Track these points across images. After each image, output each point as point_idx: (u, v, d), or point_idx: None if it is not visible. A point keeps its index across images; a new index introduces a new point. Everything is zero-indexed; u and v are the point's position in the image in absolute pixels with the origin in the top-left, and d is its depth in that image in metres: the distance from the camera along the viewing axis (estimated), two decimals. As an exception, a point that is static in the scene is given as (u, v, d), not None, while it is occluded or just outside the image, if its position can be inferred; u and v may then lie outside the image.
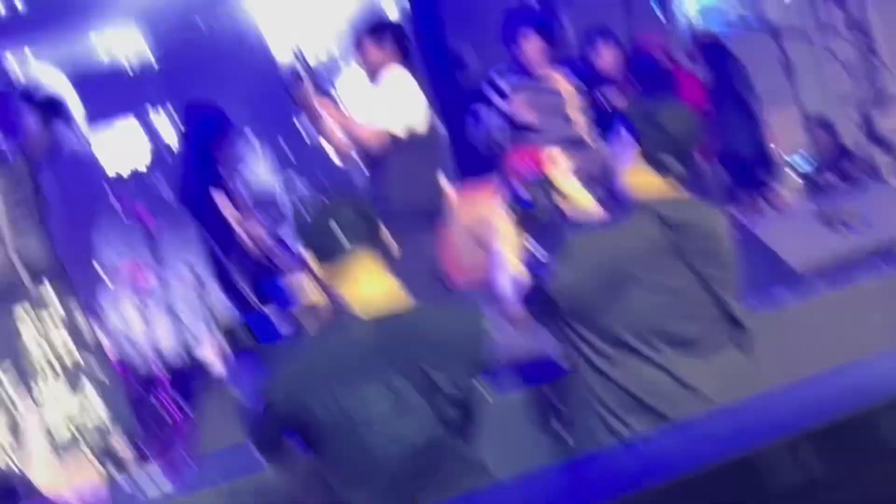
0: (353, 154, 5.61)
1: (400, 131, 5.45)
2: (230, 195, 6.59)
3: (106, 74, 8.70)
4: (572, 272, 3.18)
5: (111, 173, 8.55)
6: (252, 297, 6.17)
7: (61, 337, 5.28)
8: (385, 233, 3.07)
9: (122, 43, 8.80)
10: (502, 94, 6.19)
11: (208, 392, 5.17)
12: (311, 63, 5.66)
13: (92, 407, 5.34)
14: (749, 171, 7.75)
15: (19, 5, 7.82)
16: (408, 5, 8.47)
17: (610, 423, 3.19)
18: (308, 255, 3.06)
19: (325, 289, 3.07)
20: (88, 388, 5.35)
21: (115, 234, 6.44)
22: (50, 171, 5.10)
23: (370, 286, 3.00)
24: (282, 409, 2.93)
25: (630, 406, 3.16)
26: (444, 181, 5.79)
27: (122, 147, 8.70)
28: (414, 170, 5.50)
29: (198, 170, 6.60)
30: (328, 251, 3.00)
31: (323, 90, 5.69)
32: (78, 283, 5.10)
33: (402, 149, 5.45)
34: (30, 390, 5.25)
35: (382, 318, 2.95)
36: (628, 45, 7.36)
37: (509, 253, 3.43)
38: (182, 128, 7.26)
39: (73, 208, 7.01)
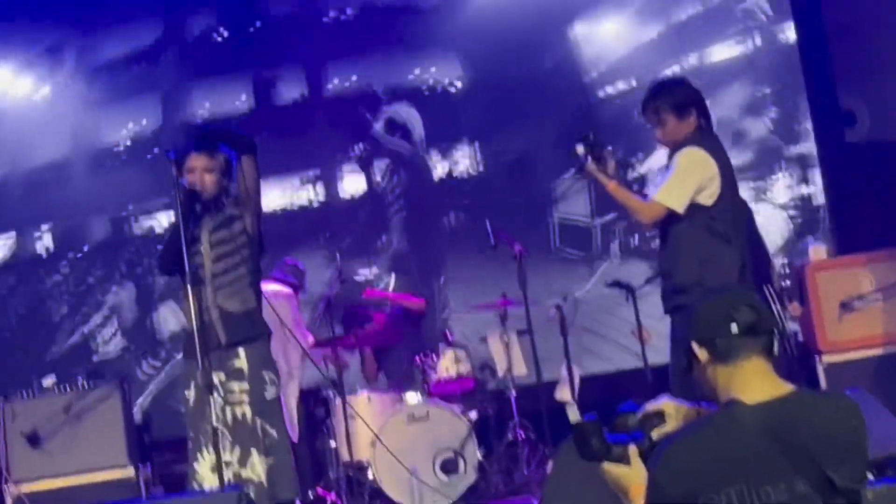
0: None
1: None
2: None
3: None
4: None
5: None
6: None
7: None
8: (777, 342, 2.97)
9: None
10: None
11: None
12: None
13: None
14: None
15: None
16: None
17: None
18: (700, 351, 2.98)
19: (715, 389, 2.99)
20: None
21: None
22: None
23: (762, 389, 2.91)
24: (676, 494, 2.81)
25: None
26: None
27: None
28: None
29: None
30: (723, 355, 2.93)
31: None
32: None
33: None
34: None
35: (768, 402, 2.86)
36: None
37: None
38: None
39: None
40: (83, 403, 7.47)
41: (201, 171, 5.81)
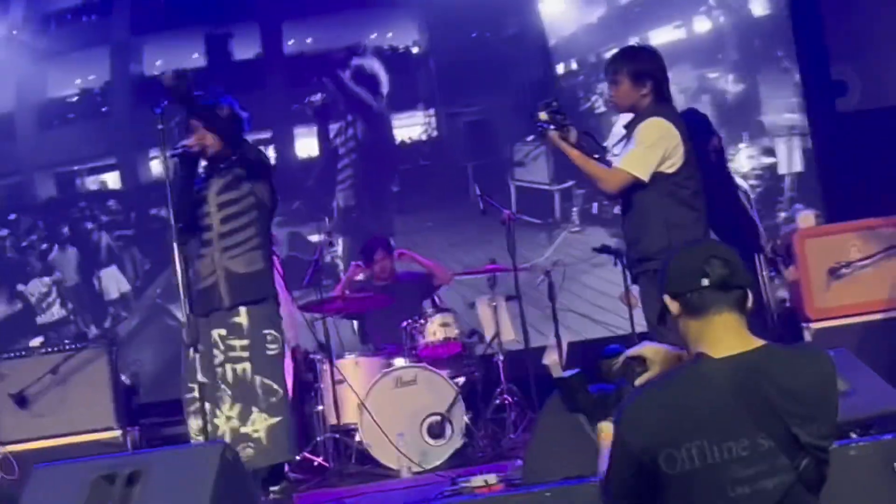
0: None
1: None
2: None
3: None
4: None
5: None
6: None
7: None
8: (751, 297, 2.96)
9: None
10: None
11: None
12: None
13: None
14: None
15: None
16: None
17: None
18: (671, 304, 2.97)
19: (687, 342, 2.99)
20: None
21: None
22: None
23: (730, 344, 2.90)
24: (636, 448, 2.81)
25: None
26: None
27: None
28: None
29: None
30: (695, 308, 2.93)
31: None
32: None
33: None
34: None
35: (735, 356, 2.86)
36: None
37: None
38: None
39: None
40: (70, 364, 7.46)
41: (203, 129, 5.76)
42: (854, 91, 9.69)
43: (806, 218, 7.81)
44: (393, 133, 10.56)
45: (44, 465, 4.93)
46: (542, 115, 5.51)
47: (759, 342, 2.92)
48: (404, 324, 8.19)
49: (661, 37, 10.29)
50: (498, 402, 8.08)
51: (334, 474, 7.35)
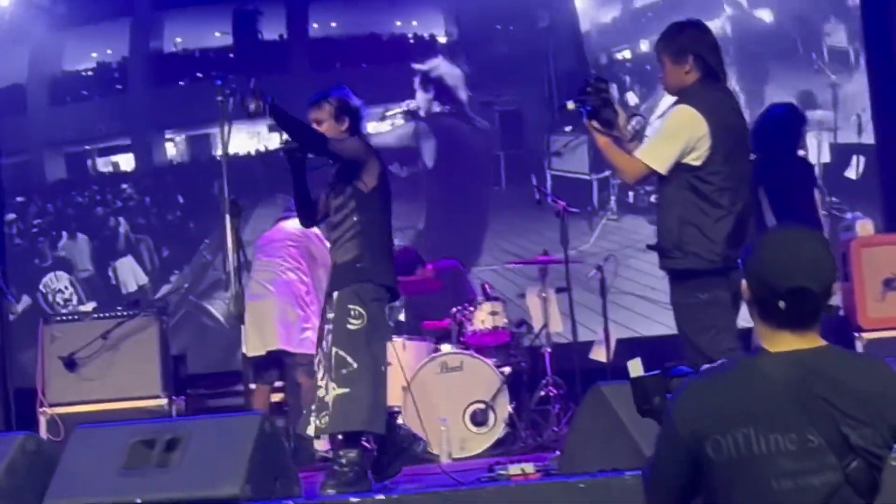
0: None
1: None
2: None
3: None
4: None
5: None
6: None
7: None
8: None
9: None
10: None
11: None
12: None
13: None
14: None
15: None
16: None
17: None
18: (746, 290, 2.88)
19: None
20: None
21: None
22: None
23: (792, 342, 2.85)
24: (685, 434, 2.79)
25: None
26: None
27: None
28: None
29: None
30: (763, 315, 2.86)
31: None
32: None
33: None
34: None
35: (794, 352, 2.82)
36: None
37: None
38: None
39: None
40: (121, 331, 7.54)
41: (313, 123, 5.93)
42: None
43: (865, 226, 7.72)
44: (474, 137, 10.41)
45: (85, 426, 4.99)
46: (570, 106, 5.35)
47: (822, 342, 2.86)
48: (453, 310, 8.19)
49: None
50: (542, 393, 8.06)
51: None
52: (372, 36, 10.32)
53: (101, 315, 7.71)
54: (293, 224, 7.31)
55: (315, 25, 10.36)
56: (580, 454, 5.06)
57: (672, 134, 5.13)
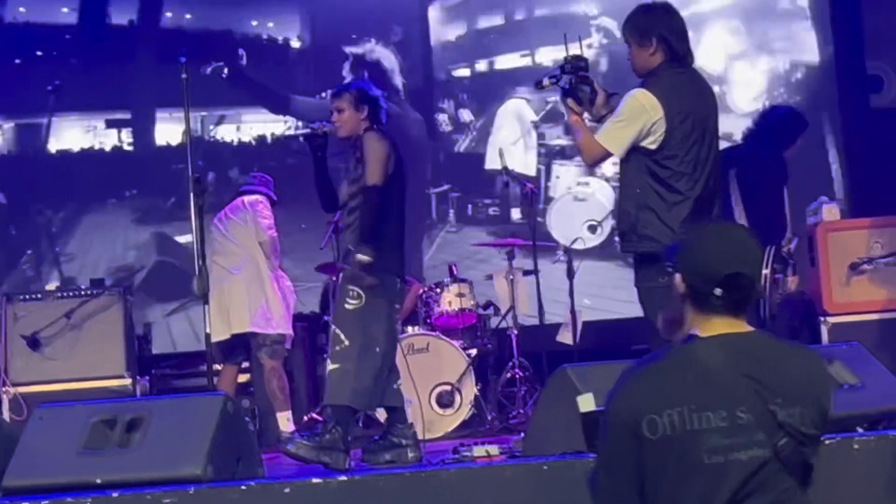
0: None
1: None
2: None
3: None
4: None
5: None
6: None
7: None
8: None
9: None
10: None
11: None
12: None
13: None
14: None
15: None
16: None
17: None
18: (680, 284, 2.99)
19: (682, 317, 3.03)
20: None
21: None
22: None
23: (722, 328, 2.96)
24: (624, 415, 2.87)
25: None
26: None
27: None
28: None
29: None
30: (699, 306, 2.97)
31: None
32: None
33: None
34: None
35: (724, 335, 2.93)
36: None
37: None
38: None
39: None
40: (85, 310, 7.49)
41: (335, 112, 6.12)
42: (890, 87, 9.61)
43: (831, 210, 7.73)
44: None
45: (46, 405, 4.94)
46: (545, 83, 5.33)
47: (751, 328, 2.99)
48: (420, 291, 8.17)
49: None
50: (509, 375, 8.06)
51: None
52: (225, 33, 9.98)
53: (65, 294, 7.66)
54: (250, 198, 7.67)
55: (168, 14, 9.95)
56: (544, 436, 5.05)
57: (626, 117, 5.11)
